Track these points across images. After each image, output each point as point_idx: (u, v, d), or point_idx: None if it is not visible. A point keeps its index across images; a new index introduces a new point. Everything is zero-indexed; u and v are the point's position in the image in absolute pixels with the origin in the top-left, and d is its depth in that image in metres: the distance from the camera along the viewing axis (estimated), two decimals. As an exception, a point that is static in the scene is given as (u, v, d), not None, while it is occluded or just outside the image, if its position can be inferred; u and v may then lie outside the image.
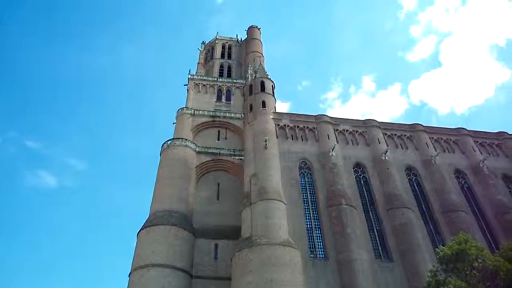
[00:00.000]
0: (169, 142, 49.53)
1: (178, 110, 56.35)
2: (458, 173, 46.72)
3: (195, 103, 58.56)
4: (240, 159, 48.33)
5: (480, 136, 51.40)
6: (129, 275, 37.75)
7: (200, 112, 56.08)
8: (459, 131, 51.20)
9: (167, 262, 37.01)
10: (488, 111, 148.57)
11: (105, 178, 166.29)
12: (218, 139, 53.78)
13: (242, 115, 52.82)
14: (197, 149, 49.87)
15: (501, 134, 52.26)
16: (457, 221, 39.42)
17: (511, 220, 41.09)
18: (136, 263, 37.71)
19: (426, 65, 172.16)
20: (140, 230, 40.72)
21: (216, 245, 41.53)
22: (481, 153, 48.73)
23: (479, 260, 21.45)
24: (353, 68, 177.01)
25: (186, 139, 49.80)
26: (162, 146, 49.60)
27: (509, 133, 52.51)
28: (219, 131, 54.87)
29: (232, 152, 50.56)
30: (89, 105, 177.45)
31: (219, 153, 50.36)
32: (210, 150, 50.57)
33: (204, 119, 55.39)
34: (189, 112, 55.50)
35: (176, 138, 50.15)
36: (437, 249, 25.04)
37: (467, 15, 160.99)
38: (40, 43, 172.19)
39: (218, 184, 48.07)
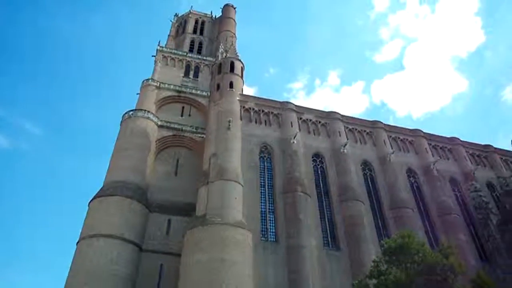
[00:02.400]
0: (130, 112, 48.33)
1: (143, 81, 54.85)
2: (410, 172, 48.80)
3: (161, 76, 57.15)
4: (202, 137, 48.02)
5: (434, 139, 53.74)
6: (76, 244, 37.01)
7: (166, 85, 54.85)
8: (415, 132, 53.26)
9: (117, 234, 36.60)
10: (443, 119, 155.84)
11: (61, 145, 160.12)
12: (182, 115, 53.04)
13: (209, 93, 52.18)
14: (159, 123, 49.06)
15: (453, 139, 54.90)
16: (403, 217, 41.41)
17: (452, 221, 43.83)
18: (85, 232, 37.01)
19: (390, 67, 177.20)
20: (92, 199, 39.83)
21: (170, 221, 41.47)
22: (433, 156, 51.03)
23: (420, 255, 22.73)
24: (321, 62, 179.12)
25: (148, 111, 48.78)
26: (123, 116, 48.36)
27: (461, 139, 55.28)
28: (183, 107, 54.06)
29: (194, 130, 50.14)
30: (49, 71, 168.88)
31: (182, 129, 49.82)
32: (172, 125, 49.90)
33: (169, 93, 54.31)
34: (155, 84, 54.17)
35: (138, 110, 48.99)
36: (382, 241, 26.28)
37: (434, 23, 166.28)
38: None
39: (178, 160, 47.68)
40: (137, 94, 54.00)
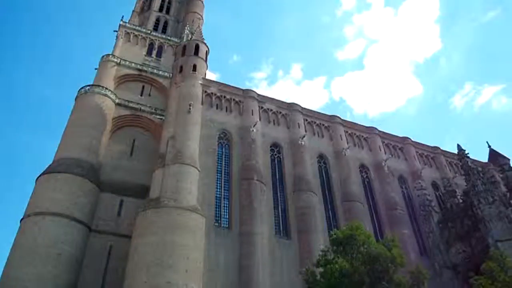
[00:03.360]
0: (87, 88, 46.49)
1: (103, 56, 52.63)
2: (363, 167, 50.61)
3: (122, 53, 55.03)
4: (161, 118, 47.11)
5: (387, 138, 55.90)
6: (20, 221, 35.43)
7: (127, 63, 52.94)
8: (371, 130, 55.15)
9: (66, 212, 35.32)
10: (397, 120, 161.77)
11: (10, 120, 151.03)
12: (141, 95, 51.53)
13: (171, 74, 51.14)
14: (117, 101, 47.52)
15: (405, 139, 57.39)
16: (353, 210, 43.03)
17: (398, 216, 46.15)
18: (30, 210, 35.40)
19: (351, 65, 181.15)
20: (39, 176, 38.15)
21: (122, 201, 40.58)
22: (385, 153, 53.15)
23: (365, 246, 23.82)
24: (285, 54, 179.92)
25: (106, 88, 47.02)
26: (78, 91, 46.43)
27: (412, 139, 57.90)
28: (143, 86, 52.49)
29: (153, 110, 49.01)
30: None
31: (140, 109, 48.56)
32: (130, 104, 48.48)
33: (129, 71, 52.50)
34: (115, 60, 52.13)
35: (95, 85, 47.09)
36: (331, 232, 27.27)
37: (396, 26, 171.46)
38: None
39: (134, 141, 46.48)
40: (96, 69, 51.89)
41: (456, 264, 41.90)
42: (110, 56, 52.52)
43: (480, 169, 47.13)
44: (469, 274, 30.00)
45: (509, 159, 55.50)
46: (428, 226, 45.77)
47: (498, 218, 39.95)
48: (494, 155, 59.86)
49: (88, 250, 36.03)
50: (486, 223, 39.75)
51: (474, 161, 51.78)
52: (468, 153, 48.00)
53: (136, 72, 52.71)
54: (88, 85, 46.90)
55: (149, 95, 51.96)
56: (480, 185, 43.00)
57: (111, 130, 45.46)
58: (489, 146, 61.13)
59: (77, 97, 46.03)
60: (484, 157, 61.54)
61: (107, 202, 39.93)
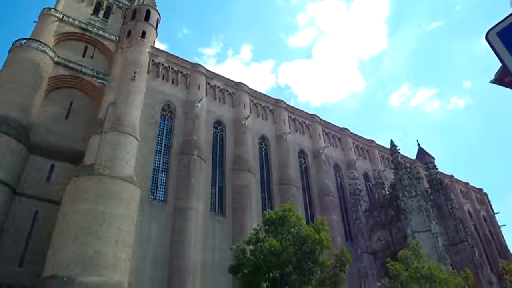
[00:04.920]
0: (23, 41, 42.94)
1: (44, 9, 48.54)
2: (302, 153, 52.25)
3: (66, 9, 50.91)
4: (103, 83, 44.88)
5: (328, 127, 57.98)
6: None
7: (70, 20, 49.15)
8: (313, 117, 56.80)
9: (-13, 172, 32.95)
10: (338, 111, 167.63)
11: None
12: (84, 56, 48.36)
13: (117, 38, 48.68)
14: (56, 59, 44.38)
15: (344, 129, 59.88)
16: (288, 193, 44.50)
17: (329, 202, 48.58)
18: None
19: (301, 53, 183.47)
20: (-39, 130, 35.05)
21: (53, 166, 38.56)
22: (324, 142, 55.20)
23: (296, 227, 24.84)
24: (237, 33, 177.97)
25: (45, 44, 43.62)
26: (13, 44, 42.74)
27: (351, 131, 60.54)
28: (86, 47, 49.22)
29: (95, 74, 46.40)
30: None
31: (81, 71, 45.75)
32: (71, 65, 45.46)
33: (72, 29, 48.93)
34: (57, 15, 48.23)
35: (32, 39, 43.56)
36: (265, 211, 28.06)
37: (347, 21, 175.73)
38: None
39: (71, 103, 43.91)
40: (35, 22, 47.90)
41: (376, 250, 45.17)
42: (52, 10, 48.52)
43: (408, 165, 50.68)
44: (387, 260, 32.52)
45: (434, 158, 60.02)
46: (355, 213, 48.66)
47: (418, 211, 43.44)
48: (422, 153, 64.52)
49: (11, 215, 34.00)
50: (407, 215, 43.05)
51: (403, 157, 55.57)
52: (399, 149, 51.32)
53: (79, 31, 49.31)
54: (25, 39, 43.36)
55: (92, 57, 48.94)
56: (406, 179, 46.30)
57: (47, 89, 42.57)
58: (419, 145, 65.98)
59: (11, 50, 42.40)
60: (413, 154, 66.18)
61: (36, 165, 37.73)
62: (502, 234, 68.25)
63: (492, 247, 63.51)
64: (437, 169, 54.77)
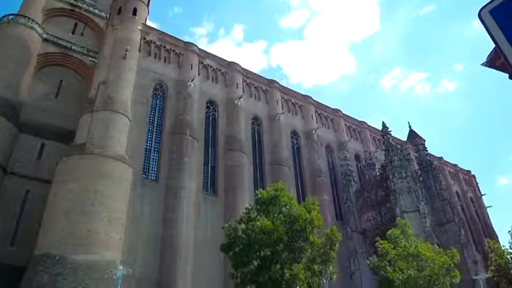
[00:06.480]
0: (10, 17, 41.89)
1: (31, -17, 47.23)
2: (294, 133, 52.38)
3: (54, -17, 49.69)
4: (93, 61, 44.17)
5: (320, 108, 58.00)
6: None
7: (60, -5, 47.99)
8: (306, 98, 56.71)
9: (-24, 150, 32.61)
10: (330, 93, 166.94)
11: None
12: (73, 33, 47.35)
13: (108, 15, 47.64)
14: (45, 36, 43.44)
15: (336, 111, 59.95)
16: (280, 173, 44.73)
17: (320, 182, 49.07)
18: None
19: (293, 34, 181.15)
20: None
21: (43, 145, 38.29)
22: (317, 122, 55.31)
23: (287, 207, 25.10)
24: (229, 13, 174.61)
25: (33, 20, 42.55)
26: (0, 20, 41.70)
27: (343, 112, 60.65)
28: (76, 24, 48.13)
29: (85, 51, 45.61)
30: None
31: (70, 48, 44.91)
32: (60, 42, 44.57)
33: (61, 4, 47.57)
34: (46, -10, 46.98)
35: (20, 15, 42.47)
36: (256, 191, 28.27)
37: (340, 2, 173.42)
38: None
39: (61, 81, 43.25)
40: (21, -4, 46.53)
41: (366, 229, 46.01)
42: (40, -16, 47.17)
43: (399, 146, 51.13)
44: (376, 239, 33.17)
45: (424, 140, 60.59)
46: (346, 194, 49.29)
47: (408, 192, 44.12)
48: (412, 135, 64.96)
49: (2, 193, 33.87)
50: (396, 195, 43.73)
51: (394, 138, 55.93)
52: (390, 131, 51.70)
53: (68, 7, 48.05)
54: (12, 14, 42.30)
55: (82, 34, 47.98)
56: (397, 161, 46.82)
57: (36, 67, 41.83)
58: (410, 127, 66.22)
59: (-2, 25, 41.42)
60: (404, 136, 66.58)
61: (26, 144, 37.43)
62: (488, 215, 69.67)
63: (478, 228, 64.93)
64: (427, 151, 55.39)
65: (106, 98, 35.53)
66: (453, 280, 30.24)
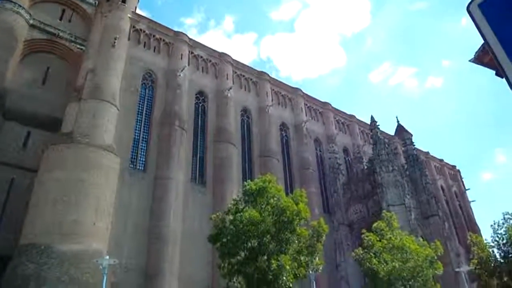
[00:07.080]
0: (-5, 1, 40.92)
1: (17, -33, 46.09)
2: (283, 126, 52.46)
3: (41, -33, 48.58)
4: (81, 48, 43.49)
5: (310, 101, 58.11)
6: None
7: (46, -20, 46.97)
8: (296, 91, 56.72)
9: (-40, 137, 31.98)
10: (320, 87, 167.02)
11: None
12: (61, 19, 46.41)
13: (97, 2, 46.82)
14: (31, 21, 42.52)
15: (326, 104, 60.14)
16: (269, 165, 44.86)
17: (308, 175, 49.34)
18: None
19: (283, 26, 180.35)
20: None
21: (29, 133, 37.76)
22: (306, 115, 55.44)
23: (275, 198, 25.23)
24: (219, 3, 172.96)
25: (19, 5, 41.60)
26: (-15, 4, 40.71)
27: (333, 105, 60.87)
28: (64, 10, 47.17)
29: (73, 38, 44.84)
30: None
31: (58, 35, 44.07)
32: (47, 28, 43.68)
33: (48, -10, 46.77)
34: (32, -25, 45.91)
35: (6, 0, 41.54)
36: (245, 182, 28.33)
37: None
38: None
39: (48, 68, 42.51)
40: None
41: (352, 221, 46.53)
42: (26, -31, 46.07)
43: (386, 140, 51.67)
44: (362, 231, 33.58)
45: (412, 135, 61.22)
46: (334, 186, 49.67)
47: (394, 185, 44.67)
48: (400, 129, 65.60)
49: (-14, 181, 33.39)
50: (383, 189, 44.24)
51: (383, 132, 56.43)
52: (379, 125, 52.11)
53: (56, -7, 47.13)
54: (-3, -1, 41.29)
55: (70, 21, 47.08)
56: (384, 154, 47.30)
57: (22, 54, 41.00)
58: (398, 121, 66.83)
59: (-18, 10, 40.41)
60: (392, 130, 67.18)
61: (12, 132, 36.84)
62: (471, 209, 71.00)
63: (461, 221, 66.17)
64: (414, 145, 55.99)
65: (94, 86, 35.07)
66: (436, 272, 30.85)
